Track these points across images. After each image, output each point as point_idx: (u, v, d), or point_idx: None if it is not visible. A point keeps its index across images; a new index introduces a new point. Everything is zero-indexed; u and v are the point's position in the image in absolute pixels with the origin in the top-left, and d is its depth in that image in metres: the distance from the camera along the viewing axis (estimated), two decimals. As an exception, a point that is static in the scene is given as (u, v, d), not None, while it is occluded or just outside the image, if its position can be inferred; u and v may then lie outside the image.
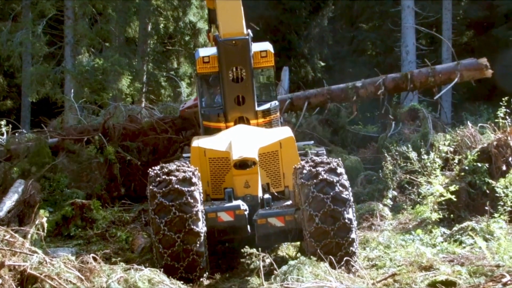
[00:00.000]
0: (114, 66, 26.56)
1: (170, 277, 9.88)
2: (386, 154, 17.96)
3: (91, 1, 28.71)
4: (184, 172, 11.19)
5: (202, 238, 10.83)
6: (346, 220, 10.76)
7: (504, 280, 8.49)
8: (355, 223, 11.12)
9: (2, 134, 22.57)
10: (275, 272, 9.91)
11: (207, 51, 14.71)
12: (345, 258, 10.47)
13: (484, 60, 18.94)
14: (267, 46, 14.72)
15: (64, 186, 18.12)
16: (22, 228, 11.87)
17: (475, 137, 17.19)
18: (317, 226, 10.63)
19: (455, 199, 14.56)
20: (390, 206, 16.90)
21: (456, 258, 11.57)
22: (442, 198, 14.64)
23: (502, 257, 11.01)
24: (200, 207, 10.97)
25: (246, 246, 10.28)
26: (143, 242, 13.84)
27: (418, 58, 32.18)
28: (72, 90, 27.03)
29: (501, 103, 16.24)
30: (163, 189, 10.88)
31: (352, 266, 10.60)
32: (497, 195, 14.11)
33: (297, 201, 11.63)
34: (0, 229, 9.29)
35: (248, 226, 11.56)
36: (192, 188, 10.95)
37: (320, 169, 11.02)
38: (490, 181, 15.02)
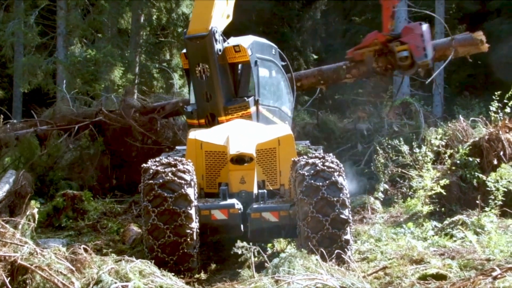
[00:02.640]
0: (106, 57, 26.47)
1: (161, 268, 9.85)
2: (378, 148, 17.98)
3: (83, -8, 28.67)
4: (180, 166, 11.14)
5: (194, 233, 10.77)
6: (343, 243, 10.68)
7: (494, 273, 8.50)
8: (352, 241, 11.07)
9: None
10: (266, 264, 9.90)
11: None
12: (336, 251, 10.47)
13: (479, 34, 18.33)
14: (242, 40, 14.53)
15: (59, 178, 18.17)
16: (13, 218, 11.84)
17: (466, 131, 17.23)
18: (314, 247, 10.45)
19: (445, 193, 14.61)
20: (382, 199, 16.97)
21: (446, 252, 11.60)
22: (433, 192, 14.68)
23: (492, 250, 11.07)
24: (194, 201, 10.93)
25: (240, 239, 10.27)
26: (135, 233, 13.82)
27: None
28: (64, 81, 26.96)
29: (493, 97, 16.25)
30: (160, 181, 10.81)
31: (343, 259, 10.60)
32: (488, 189, 14.14)
33: (293, 196, 11.57)
34: (-9, 220, 9.27)
35: (242, 226, 11.45)
36: (187, 183, 10.90)
37: (320, 183, 10.76)
38: (481, 175, 15.08)
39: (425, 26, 17.21)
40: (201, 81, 14.06)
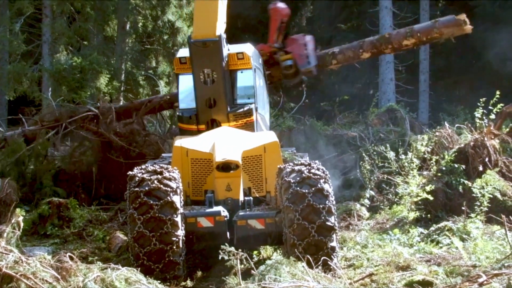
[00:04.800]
0: (92, 64, 26.35)
1: (147, 276, 9.83)
2: (363, 154, 18.01)
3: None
4: (166, 173, 11.10)
5: (180, 241, 10.75)
6: (329, 250, 10.71)
7: (480, 280, 8.54)
8: (338, 248, 11.11)
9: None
10: (252, 271, 9.88)
11: (187, 51, 14.54)
12: (322, 258, 10.47)
13: (462, 16, 18.55)
14: (244, 47, 14.50)
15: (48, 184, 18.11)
16: (-3, 227, 11.77)
17: (452, 137, 17.29)
18: (300, 254, 10.44)
19: (431, 199, 14.65)
20: (368, 206, 16.97)
21: (433, 258, 11.64)
22: (419, 198, 14.72)
23: (478, 257, 11.10)
24: (180, 209, 10.91)
25: (226, 245, 10.25)
26: (120, 241, 13.77)
27: (395, 58, 32.31)
28: (50, 89, 26.85)
29: (478, 104, 16.33)
30: (146, 188, 10.77)
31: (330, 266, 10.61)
32: (474, 195, 14.20)
33: (279, 203, 11.56)
34: (-25, 228, 9.23)
35: (228, 233, 11.43)
36: (173, 190, 10.87)
37: (306, 190, 10.78)
38: (466, 181, 15.12)
39: (308, 37, 18.23)
40: (205, 87, 13.85)
